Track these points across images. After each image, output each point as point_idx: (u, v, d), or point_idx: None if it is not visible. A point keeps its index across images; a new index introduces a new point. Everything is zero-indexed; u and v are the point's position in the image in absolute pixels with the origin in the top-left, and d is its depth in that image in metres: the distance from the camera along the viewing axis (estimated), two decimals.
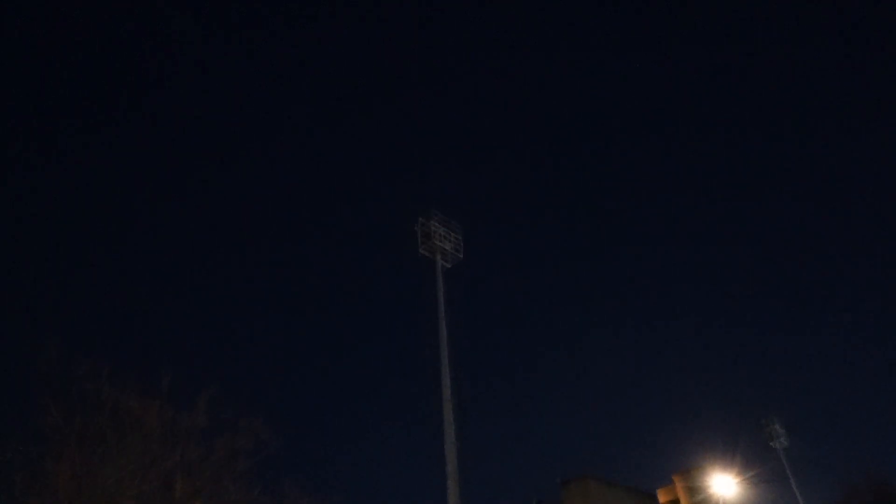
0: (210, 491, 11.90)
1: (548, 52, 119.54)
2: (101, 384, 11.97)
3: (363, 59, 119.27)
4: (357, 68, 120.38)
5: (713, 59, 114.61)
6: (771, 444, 56.43)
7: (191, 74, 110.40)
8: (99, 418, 11.71)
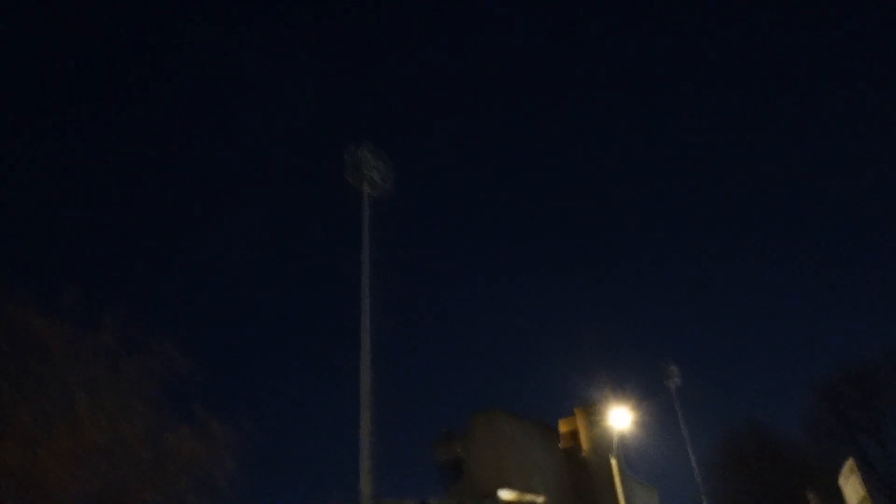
0: (116, 411, 11.64)
1: None
2: None
3: None
4: None
5: None
6: (665, 383, 60.86)
7: None
8: None
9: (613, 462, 35.82)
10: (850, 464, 6.82)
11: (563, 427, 57.89)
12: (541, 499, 49.76)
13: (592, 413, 53.91)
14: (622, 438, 38.40)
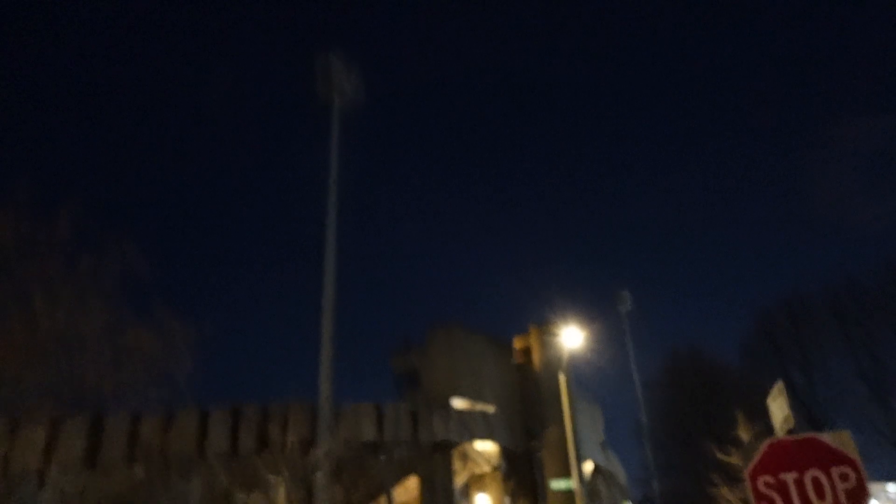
0: (73, 305, 11.57)
1: None
2: None
3: None
4: None
5: None
6: (617, 307, 63.14)
7: None
8: None
9: (562, 379, 37.58)
10: (779, 386, 7.37)
11: (517, 343, 60.13)
12: (491, 408, 52.31)
13: (546, 332, 55.99)
14: (572, 357, 40.17)
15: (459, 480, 52.24)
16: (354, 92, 20.52)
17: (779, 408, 7.13)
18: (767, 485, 4.74)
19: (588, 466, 65.67)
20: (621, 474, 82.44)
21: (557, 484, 41.07)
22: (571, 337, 35.91)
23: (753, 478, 4.85)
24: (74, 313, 12.10)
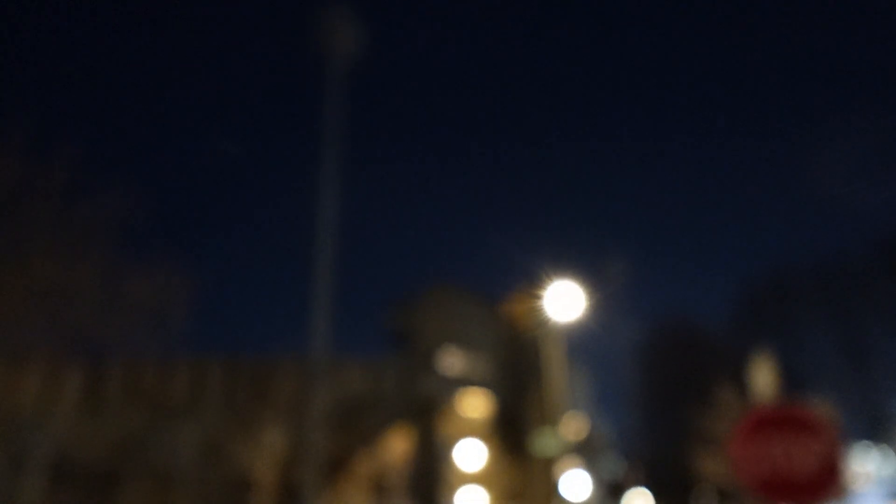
0: (70, 249, 11.59)
1: None
2: None
3: None
4: None
5: None
6: (608, 271, 63.19)
7: None
8: None
9: (551, 342, 38.13)
10: (763, 355, 7.56)
11: (510, 305, 60.73)
12: (483, 368, 53.26)
13: (535, 293, 56.46)
14: (561, 319, 40.58)
15: (448, 437, 53.53)
16: (354, 44, 20.16)
17: (762, 376, 7.33)
18: (746, 450, 4.92)
19: (574, 426, 67.30)
20: (608, 436, 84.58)
21: (543, 441, 42.12)
22: (563, 300, 36.27)
23: (733, 443, 5.02)
24: (71, 259, 12.11)
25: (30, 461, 29.66)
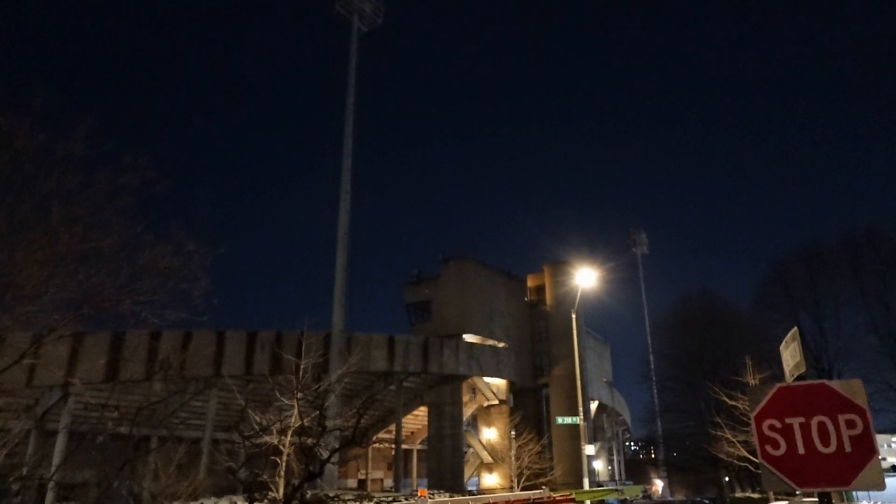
0: (90, 221, 11.61)
1: None
2: None
3: None
4: None
5: None
6: (633, 250, 62.60)
7: None
8: None
9: (573, 317, 37.88)
10: (793, 332, 7.25)
11: (530, 281, 60.47)
12: (502, 344, 53.25)
13: (559, 272, 56.14)
14: (584, 297, 40.38)
15: (467, 412, 53.88)
16: (375, 14, 19.85)
17: (790, 354, 7.06)
18: (772, 428, 4.72)
19: (594, 404, 67.30)
20: (626, 413, 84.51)
21: (563, 420, 42.23)
22: (584, 277, 35.99)
23: (759, 420, 4.82)
24: (93, 229, 12.17)
25: (54, 427, 30.54)
